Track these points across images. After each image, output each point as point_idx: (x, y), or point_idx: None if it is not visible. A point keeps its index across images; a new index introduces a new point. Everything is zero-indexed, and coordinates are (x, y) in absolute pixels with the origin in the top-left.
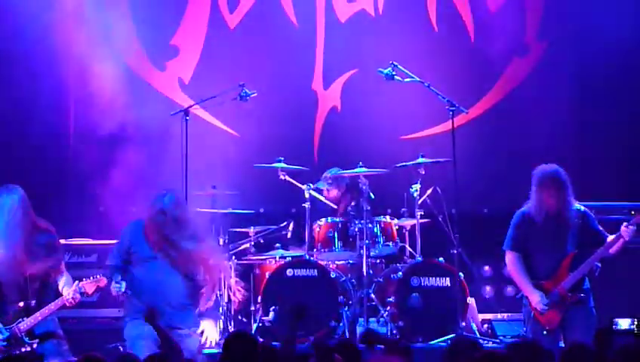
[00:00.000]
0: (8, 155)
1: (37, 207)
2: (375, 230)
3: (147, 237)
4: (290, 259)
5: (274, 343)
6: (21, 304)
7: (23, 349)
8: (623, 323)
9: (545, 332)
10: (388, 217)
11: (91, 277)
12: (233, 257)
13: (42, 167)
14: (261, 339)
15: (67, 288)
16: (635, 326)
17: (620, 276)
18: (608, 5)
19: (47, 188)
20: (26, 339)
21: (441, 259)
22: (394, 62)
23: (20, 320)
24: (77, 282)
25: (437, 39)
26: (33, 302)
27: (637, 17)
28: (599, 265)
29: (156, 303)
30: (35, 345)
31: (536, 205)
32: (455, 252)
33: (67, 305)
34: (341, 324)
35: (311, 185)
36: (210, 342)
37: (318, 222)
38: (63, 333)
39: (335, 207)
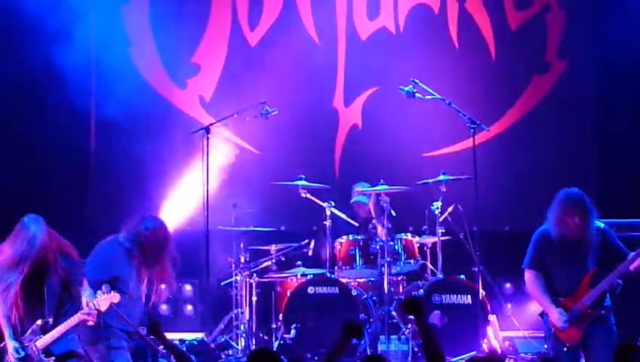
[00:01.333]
0: (32, 177)
1: (60, 226)
2: (396, 247)
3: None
4: (311, 276)
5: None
6: (39, 322)
7: None
8: None
9: (565, 350)
10: (409, 234)
11: (105, 294)
12: (255, 275)
13: (63, 187)
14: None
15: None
16: None
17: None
18: (629, 24)
19: (68, 207)
20: (43, 357)
21: (462, 276)
22: (415, 80)
23: (38, 337)
24: (90, 299)
25: (458, 57)
26: (51, 319)
27: None
28: (620, 282)
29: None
30: None
31: (557, 228)
32: (476, 269)
33: (84, 321)
34: (362, 342)
35: (332, 202)
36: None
37: (340, 240)
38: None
39: (356, 224)
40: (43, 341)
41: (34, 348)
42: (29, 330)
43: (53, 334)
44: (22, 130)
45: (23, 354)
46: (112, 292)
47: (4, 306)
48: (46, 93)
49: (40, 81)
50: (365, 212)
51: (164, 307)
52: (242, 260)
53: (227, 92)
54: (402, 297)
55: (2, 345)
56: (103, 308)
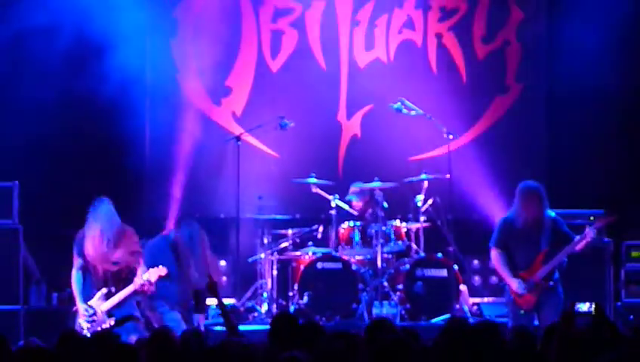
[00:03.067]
0: (99, 178)
1: (122, 214)
2: (388, 231)
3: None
4: (320, 254)
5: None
6: (104, 290)
7: (104, 325)
8: (583, 307)
9: (522, 313)
10: (398, 221)
11: (154, 268)
12: (275, 253)
13: (124, 184)
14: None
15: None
16: (592, 309)
17: (582, 269)
18: (574, 53)
19: (127, 202)
20: (106, 318)
21: (439, 254)
22: (402, 99)
23: (102, 302)
24: (143, 272)
25: (436, 80)
26: (114, 288)
27: (597, 59)
28: (566, 259)
29: None
30: (112, 322)
31: (520, 214)
32: (450, 249)
33: (137, 290)
34: (360, 306)
35: (337, 195)
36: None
37: (343, 225)
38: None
39: (356, 213)
40: (106, 305)
41: (99, 310)
42: (95, 296)
43: (114, 299)
44: (89, 143)
45: (92, 311)
46: (160, 266)
47: (79, 276)
48: (109, 112)
49: (104, 103)
50: (357, 207)
51: None
52: (265, 241)
53: (254, 108)
54: (392, 271)
55: (74, 309)
56: (152, 279)
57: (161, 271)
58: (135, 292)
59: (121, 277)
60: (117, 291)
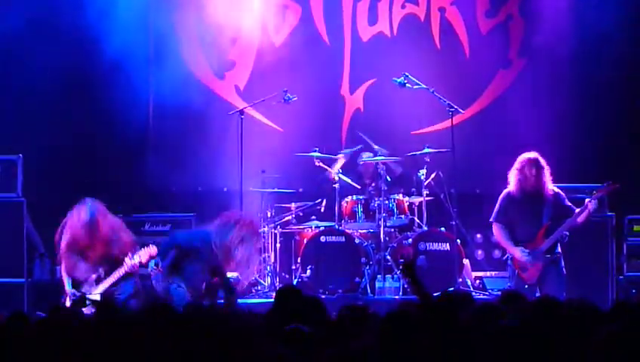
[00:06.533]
0: (97, 155)
1: (125, 186)
2: (390, 205)
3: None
4: (323, 228)
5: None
6: (94, 276)
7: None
8: None
9: (526, 287)
10: (401, 195)
11: (145, 248)
12: (278, 226)
13: (128, 157)
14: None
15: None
16: None
17: (584, 243)
18: (574, 29)
19: (131, 172)
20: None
21: (442, 228)
22: (405, 73)
23: (94, 287)
24: (133, 253)
25: (439, 55)
26: (103, 273)
27: (600, 33)
28: (568, 233)
29: None
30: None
31: (517, 184)
32: (453, 223)
33: (129, 272)
34: (363, 280)
35: (340, 170)
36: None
37: (346, 199)
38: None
39: (359, 187)
40: (98, 290)
41: (91, 297)
42: (86, 282)
43: (105, 284)
44: (93, 116)
45: (78, 295)
46: (151, 245)
47: (68, 264)
48: (113, 86)
49: (107, 76)
50: (369, 172)
51: None
52: (269, 215)
53: (257, 82)
54: (394, 245)
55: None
56: (143, 260)
57: (152, 249)
58: (127, 274)
59: (114, 263)
60: (107, 275)
